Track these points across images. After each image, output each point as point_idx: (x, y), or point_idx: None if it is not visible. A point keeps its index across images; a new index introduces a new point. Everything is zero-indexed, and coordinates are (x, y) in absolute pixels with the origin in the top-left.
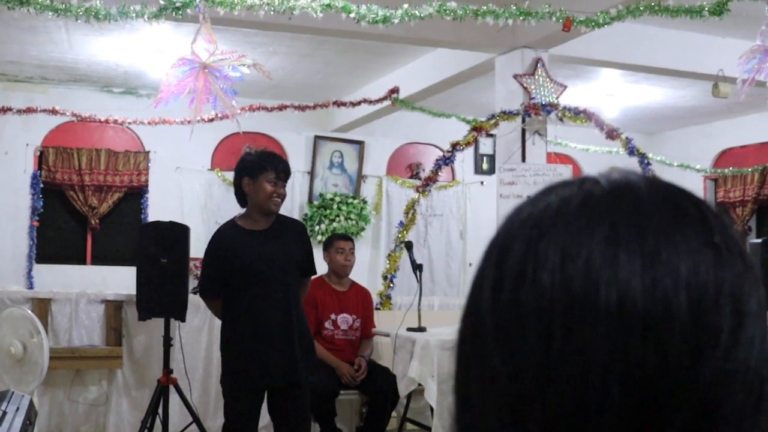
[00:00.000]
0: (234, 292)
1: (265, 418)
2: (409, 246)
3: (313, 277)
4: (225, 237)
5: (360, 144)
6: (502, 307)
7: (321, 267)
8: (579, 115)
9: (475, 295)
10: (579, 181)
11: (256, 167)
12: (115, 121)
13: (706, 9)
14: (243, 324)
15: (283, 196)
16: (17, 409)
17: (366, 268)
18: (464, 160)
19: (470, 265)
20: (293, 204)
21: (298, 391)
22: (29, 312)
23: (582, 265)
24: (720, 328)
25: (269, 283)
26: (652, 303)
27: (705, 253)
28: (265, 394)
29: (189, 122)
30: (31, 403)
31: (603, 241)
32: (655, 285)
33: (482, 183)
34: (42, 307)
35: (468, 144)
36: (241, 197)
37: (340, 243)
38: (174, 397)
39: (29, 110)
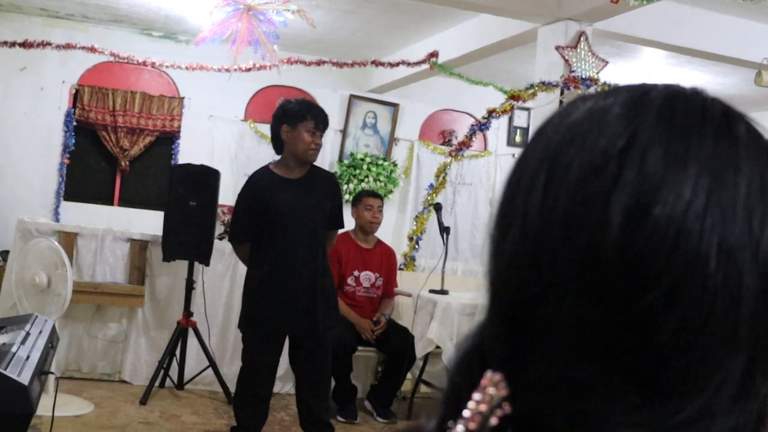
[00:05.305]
0: (262, 238)
1: (281, 367)
2: (438, 208)
3: (340, 231)
4: (258, 182)
5: (394, 106)
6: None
7: (349, 223)
8: None
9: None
10: (613, 90)
11: (296, 115)
12: (153, 64)
13: None
14: (268, 270)
15: (320, 147)
16: (40, 331)
17: (391, 231)
18: (499, 128)
19: None
20: (323, 161)
21: (318, 342)
22: (56, 243)
23: (601, 149)
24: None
25: (297, 231)
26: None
27: (724, 144)
28: (286, 343)
29: (227, 70)
30: (53, 327)
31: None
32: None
33: (513, 155)
34: (68, 240)
35: (504, 112)
36: (278, 144)
37: (368, 200)
38: (192, 341)
39: (68, 46)
